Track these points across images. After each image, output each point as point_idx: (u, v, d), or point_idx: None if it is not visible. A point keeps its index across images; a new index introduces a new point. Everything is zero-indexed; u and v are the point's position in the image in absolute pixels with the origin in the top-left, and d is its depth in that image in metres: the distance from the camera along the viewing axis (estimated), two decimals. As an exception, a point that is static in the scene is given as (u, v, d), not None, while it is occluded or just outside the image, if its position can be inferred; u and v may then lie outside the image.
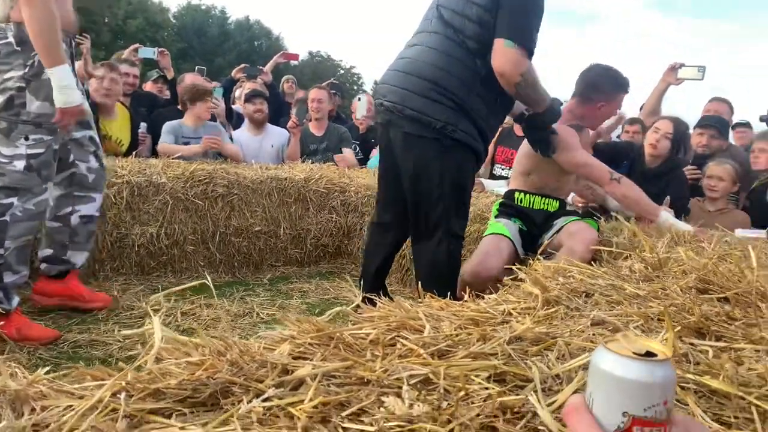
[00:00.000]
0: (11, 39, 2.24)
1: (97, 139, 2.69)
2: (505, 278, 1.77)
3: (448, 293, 2.17)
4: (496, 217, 2.82)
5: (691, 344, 1.19)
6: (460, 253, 2.44)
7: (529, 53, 2.18)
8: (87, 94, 3.52)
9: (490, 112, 2.32)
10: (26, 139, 2.29)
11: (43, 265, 2.69)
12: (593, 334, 1.22)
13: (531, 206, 2.77)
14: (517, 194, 2.82)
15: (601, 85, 2.70)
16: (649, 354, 0.76)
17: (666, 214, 2.64)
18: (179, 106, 4.32)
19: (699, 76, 3.99)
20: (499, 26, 2.16)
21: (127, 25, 33.71)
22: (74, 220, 2.65)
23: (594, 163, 2.67)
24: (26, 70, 2.26)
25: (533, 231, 2.74)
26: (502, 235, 2.64)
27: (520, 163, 2.86)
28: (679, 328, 1.24)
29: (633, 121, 4.32)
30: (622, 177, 2.64)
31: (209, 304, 2.86)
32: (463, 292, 2.08)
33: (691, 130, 3.86)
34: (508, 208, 2.81)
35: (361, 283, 2.67)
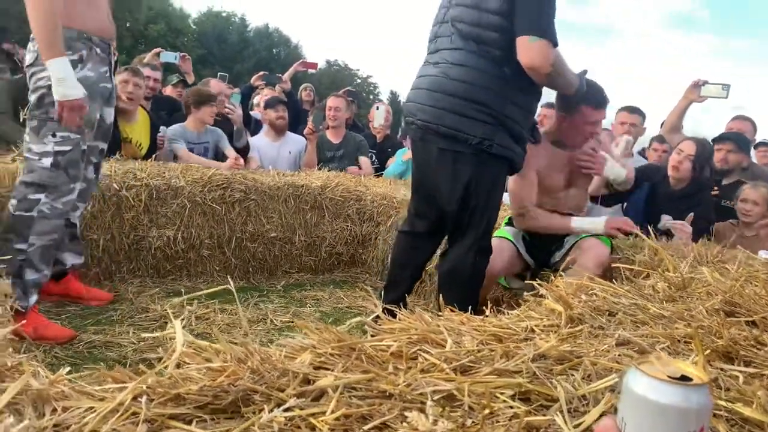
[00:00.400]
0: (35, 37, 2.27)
1: (105, 150, 2.70)
2: (526, 294, 1.75)
3: (466, 305, 2.22)
4: (504, 225, 2.86)
5: (721, 369, 1.16)
6: (484, 264, 2.45)
7: (554, 43, 2.18)
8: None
9: (525, 114, 2.34)
10: (54, 136, 2.32)
11: None
12: (619, 355, 1.20)
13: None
14: None
15: (563, 97, 2.61)
16: (684, 378, 0.74)
17: (577, 220, 2.65)
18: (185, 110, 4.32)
19: (723, 95, 3.91)
20: (518, 25, 2.16)
21: (149, 31, 34.14)
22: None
23: (513, 193, 2.71)
24: None
25: (539, 241, 2.73)
26: (503, 237, 2.71)
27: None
28: (707, 351, 1.21)
29: (662, 140, 4.24)
30: (529, 210, 2.67)
31: (223, 308, 2.85)
32: (484, 307, 2.07)
33: None
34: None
35: (383, 292, 2.67)
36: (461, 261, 2.39)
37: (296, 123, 5.28)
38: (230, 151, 4.12)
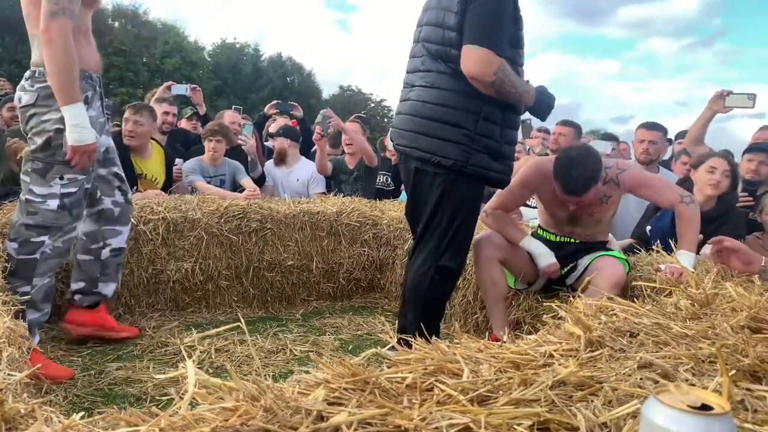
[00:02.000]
0: (50, 82, 2.29)
1: (122, 174, 2.73)
2: (545, 316, 1.72)
3: (426, 325, 2.24)
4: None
5: (747, 390, 1.12)
6: (447, 286, 2.51)
7: (497, 53, 2.17)
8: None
9: (503, 127, 2.34)
10: (61, 178, 2.34)
11: (76, 296, 2.73)
12: (641, 379, 1.16)
13: (558, 240, 2.76)
14: (541, 232, 2.87)
15: (553, 165, 2.57)
16: (705, 407, 0.71)
17: (528, 240, 2.68)
18: None
19: (749, 104, 3.79)
20: (464, 36, 2.21)
21: (164, 65, 34.77)
22: (104, 253, 2.70)
23: (497, 194, 2.80)
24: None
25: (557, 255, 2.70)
26: None
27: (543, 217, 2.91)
28: (733, 371, 1.17)
29: (688, 153, 4.11)
30: (494, 213, 2.76)
31: (242, 340, 2.85)
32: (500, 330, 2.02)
33: (738, 159, 3.74)
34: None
35: (399, 318, 2.66)
36: (419, 278, 2.43)
37: (309, 147, 5.33)
38: (247, 182, 4.15)
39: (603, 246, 2.76)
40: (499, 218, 2.72)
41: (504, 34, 2.23)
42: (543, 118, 2.46)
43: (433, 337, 1.27)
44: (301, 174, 4.80)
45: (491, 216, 2.74)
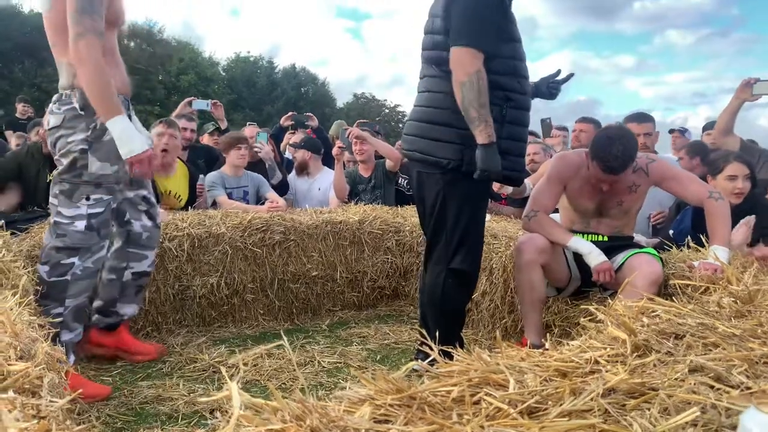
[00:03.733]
0: (75, 104, 2.30)
1: (152, 198, 2.73)
2: (582, 319, 1.68)
3: (444, 334, 2.21)
4: None
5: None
6: (462, 290, 2.48)
7: (483, 51, 2.18)
8: None
9: (503, 123, 2.31)
10: (87, 199, 2.34)
11: (95, 317, 2.73)
12: (694, 383, 1.12)
13: (586, 239, 2.67)
14: None
15: (590, 145, 2.57)
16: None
17: (576, 240, 2.57)
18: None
19: None
20: (450, 36, 2.24)
21: (180, 81, 35.19)
22: (126, 275, 2.70)
23: (532, 195, 2.77)
24: (89, 133, 2.31)
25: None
26: None
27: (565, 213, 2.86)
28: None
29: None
30: (537, 215, 2.67)
31: (270, 353, 2.83)
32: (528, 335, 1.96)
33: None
34: None
35: (421, 324, 2.63)
36: (432, 285, 2.45)
37: (327, 157, 5.32)
38: (272, 195, 4.13)
39: (633, 242, 2.71)
40: (541, 221, 2.65)
41: (488, 29, 2.22)
42: (479, 168, 2.21)
43: (477, 350, 1.23)
44: (323, 184, 4.78)
45: (533, 220, 2.67)
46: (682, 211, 3.26)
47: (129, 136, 2.26)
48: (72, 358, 2.38)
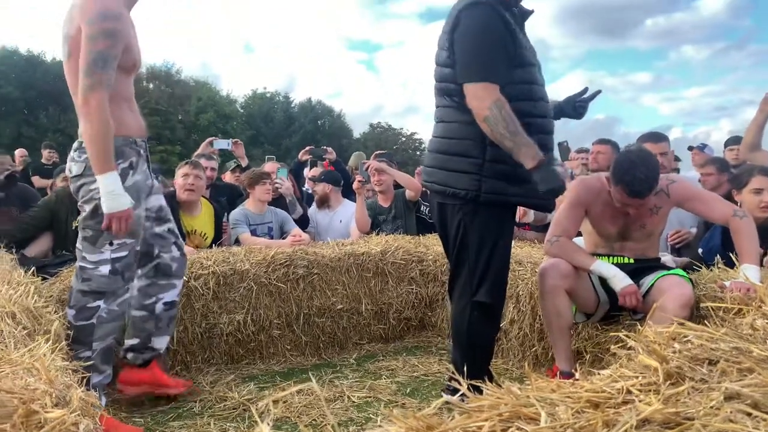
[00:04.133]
0: (87, 152, 2.34)
1: (176, 230, 2.78)
2: (613, 346, 1.66)
3: (472, 368, 2.23)
4: None
5: None
6: (488, 323, 2.44)
7: (495, 83, 2.18)
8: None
9: None
10: (111, 244, 2.38)
11: (129, 355, 2.75)
12: (731, 412, 1.10)
13: (612, 262, 2.64)
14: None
15: (611, 168, 2.53)
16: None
17: (600, 264, 2.53)
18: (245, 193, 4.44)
19: None
20: (458, 74, 2.26)
21: (199, 120, 35.94)
22: (158, 308, 2.73)
23: (555, 219, 2.75)
24: None
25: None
26: None
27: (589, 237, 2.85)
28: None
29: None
30: (559, 239, 2.65)
31: (299, 389, 2.82)
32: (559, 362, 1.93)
33: None
34: None
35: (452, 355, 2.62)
36: (459, 319, 2.43)
37: (346, 190, 5.37)
38: (296, 231, 4.15)
39: (660, 263, 2.68)
40: (563, 245, 2.63)
41: (496, 60, 2.22)
42: (542, 191, 2.17)
43: (506, 382, 1.22)
44: (344, 216, 4.82)
45: (555, 245, 2.65)
46: (711, 229, 3.21)
47: (116, 194, 2.27)
48: (103, 400, 2.40)
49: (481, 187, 2.28)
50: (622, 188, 2.45)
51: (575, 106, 2.68)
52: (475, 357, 2.43)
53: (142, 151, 2.52)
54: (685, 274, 2.51)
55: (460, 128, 2.32)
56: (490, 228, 2.36)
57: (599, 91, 2.72)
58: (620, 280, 2.45)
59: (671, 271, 2.53)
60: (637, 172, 2.39)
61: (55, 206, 3.57)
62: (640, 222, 2.62)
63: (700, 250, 3.20)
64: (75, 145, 2.45)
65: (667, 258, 2.95)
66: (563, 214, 2.70)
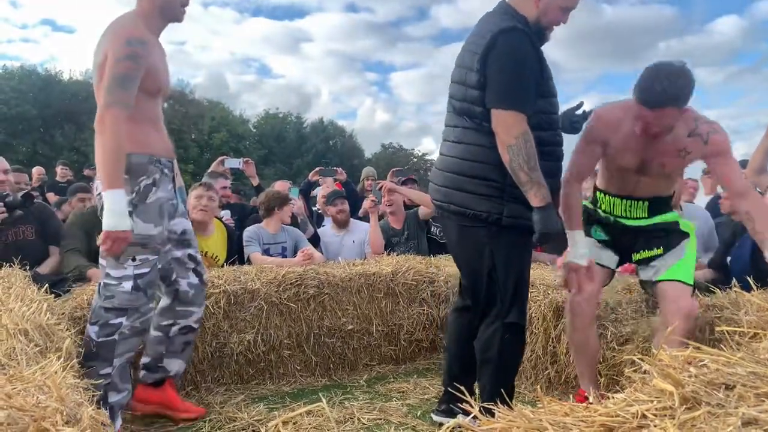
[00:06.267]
0: (97, 167, 2.38)
1: (197, 256, 2.79)
2: (627, 370, 1.63)
3: (498, 387, 2.26)
4: None
5: None
6: (518, 344, 2.44)
7: (524, 113, 2.17)
8: None
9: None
10: (133, 260, 2.39)
11: (142, 373, 2.78)
12: (749, 438, 1.08)
13: (613, 211, 2.67)
14: (600, 195, 2.75)
15: (635, 86, 2.38)
16: None
17: (577, 234, 2.53)
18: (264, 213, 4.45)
19: None
20: (487, 97, 2.21)
21: (212, 139, 36.25)
22: (173, 331, 2.75)
23: (571, 157, 2.63)
24: (133, 196, 2.39)
25: (620, 243, 2.68)
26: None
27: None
28: None
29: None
30: (569, 180, 2.59)
31: (309, 411, 2.80)
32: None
33: None
34: (588, 216, 2.75)
35: (446, 376, 2.62)
36: (488, 340, 2.38)
37: (355, 210, 5.38)
38: (306, 248, 4.15)
39: (672, 223, 2.65)
40: (569, 196, 2.55)
41: (529, 89, 2.20)
42: (537, 232, 2.20)
43: (518, 405, 1.21)
44: (356, 236, 4.81)
45: (567, 185, 2.56)
46: (741, 239, 3.15)
47: (118, 213, 2.27)
48: (119, 422, 2.39)
49: (503, 211, 2.26)
50: (636, 97, 2.34)
51: (571, 122, 2.63)
52: (507, 378, 2.41)
53: (167, 171, 2.55)
54: (689, 279, 2.48)
55: (481, 151, 2.27)
56: (515, 250, 2.34)
57: (592, 111, 2.65)
58: (574, 255, 2.49)
59: (674, 273, 2.49)
60: (656, 84, 2.27)
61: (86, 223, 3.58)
62: (661, 160, 2.50)
63: (728, 259, 3.17)
64: None
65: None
66: (576, 153, 2.62)
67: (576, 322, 2.56)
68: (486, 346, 2.38)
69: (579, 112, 2.63)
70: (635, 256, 2.67)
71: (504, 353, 2.36)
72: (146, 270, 2.43)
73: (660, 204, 2.64)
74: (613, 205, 2.69)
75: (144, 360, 2.77)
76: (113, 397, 2.38)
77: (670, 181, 2.65)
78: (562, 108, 2.58)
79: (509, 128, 2.15)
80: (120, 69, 2.27)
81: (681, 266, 2.51)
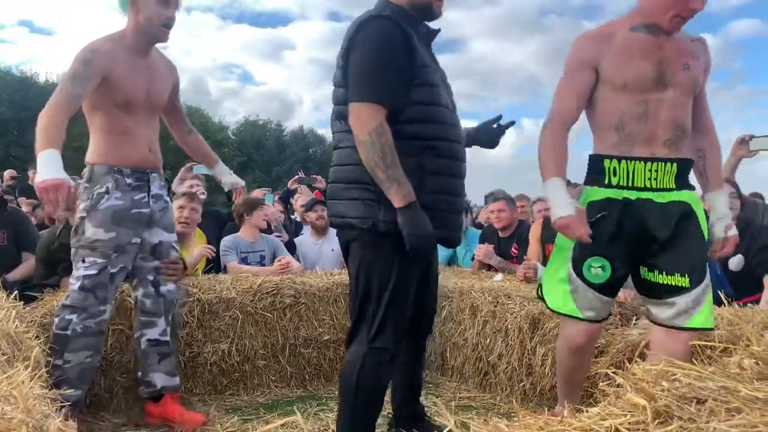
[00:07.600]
0: (85, 178, 2.61)
1: (161, 269, 2.81)
2: (602, 384, 1.65)
3: (348, 420, 2.05)
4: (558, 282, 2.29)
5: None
6: (380, 372, 2.06)
7: (385, 105, 1.94)
8: None
9: (426, 174, 2.03)
10: (83, 261, 2.54)
11: (140, 388, 2.86)
12: (719, 452, 1.09)
13: (633, 182, 2.14)
14: (608, 164, 2.18)
15: None
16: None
17: (556, 185, 2.12)
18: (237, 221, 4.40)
19: None
20: (348, 92, 2.01)
21: (190, 146, 35.90)
22: (143, 343, 2.81)
23: (554, 93, 2.24)
24: (87, 202, 2.56)
25: (637, 248, 2.17)
26: (576, 318, 2.24)
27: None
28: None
29: None
30: (553, 120, 2.20)
31: (284, 423, 2.76)
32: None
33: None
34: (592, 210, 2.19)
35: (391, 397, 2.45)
36: (349, 366, 2.07)
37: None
38: (283, 257, 4.10)
39: (695, 206, 2.18)
40: (554, 135, 2.19)
41: (391, 79, 1.97)
42: (406, 237, 1.91)
43: (494, 418, 1.20)
44: (335, 244, 4.77)
45: (550, 127, 2.21)
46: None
47: (48, 164, 2.24)
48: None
49: (378, 215, 1.99)
50: None
51: (489, 135, 2.45)
52: (364, 416, 2.08)
53: (131, 180, 2.62)
54: (711, 317, 2.14)
55: (353, 153, 2.00)
56: (392, 261, 2.02)
57: (513, 122, 2.48)
58: (559, 208, 2.10)
59: (704, 320, 2.12)
60: None
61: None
62: (683, 60, 2.11)
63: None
64: (83, 173, 2.64)
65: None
66: (564, 80, 2.24)
67: (577, 361, 2.36)
68: (345, 372, 2.08)
69: (495, 126, 2.46)
70: (647, 274, 2.19)
71: (360, 386, 2.03)
72: (93, 272, 2.52)
73: (686, 170, 2.21)
74: (633, 173, 2.15)
75: (138, 374, 2.86)
76: (66, 392, 2.35)
77: (688, 112, 2.19)
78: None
79: (363, 122, 1.93)
80: (71, 70, 2.43)
81: (708, 307, 2.12)
